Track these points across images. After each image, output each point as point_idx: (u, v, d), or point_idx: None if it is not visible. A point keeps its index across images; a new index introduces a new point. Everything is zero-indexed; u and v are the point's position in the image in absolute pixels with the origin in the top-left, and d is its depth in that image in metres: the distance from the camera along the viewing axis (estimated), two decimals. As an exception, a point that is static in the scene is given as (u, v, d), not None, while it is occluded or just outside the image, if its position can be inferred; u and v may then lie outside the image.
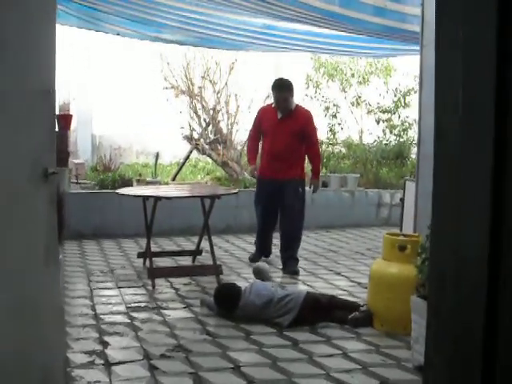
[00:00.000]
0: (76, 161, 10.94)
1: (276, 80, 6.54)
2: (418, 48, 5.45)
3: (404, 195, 6.84)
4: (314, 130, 6.61)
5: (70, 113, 10.26)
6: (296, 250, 6.46)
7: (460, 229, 1.38)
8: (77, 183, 9.51)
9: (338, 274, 6.31)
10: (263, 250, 6.78)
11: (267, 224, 6.61)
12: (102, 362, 3.70)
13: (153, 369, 3.61)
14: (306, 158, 6.64)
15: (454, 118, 1.44)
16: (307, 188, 6.65)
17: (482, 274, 1.29)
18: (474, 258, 1.34)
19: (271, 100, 8.94)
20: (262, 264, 5.97)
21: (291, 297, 4.55)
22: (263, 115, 6.58)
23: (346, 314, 4.54)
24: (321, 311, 4.58)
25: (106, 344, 4.02)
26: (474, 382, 1.22)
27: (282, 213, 6.45)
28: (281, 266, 6.42)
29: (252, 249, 7.09)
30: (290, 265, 6.30)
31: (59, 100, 9.87)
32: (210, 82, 11.67)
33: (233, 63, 11.56)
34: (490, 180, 1.34)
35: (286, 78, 6.64)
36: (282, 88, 6.34)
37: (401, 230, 6.47)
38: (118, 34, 8.51)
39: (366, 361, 3.83)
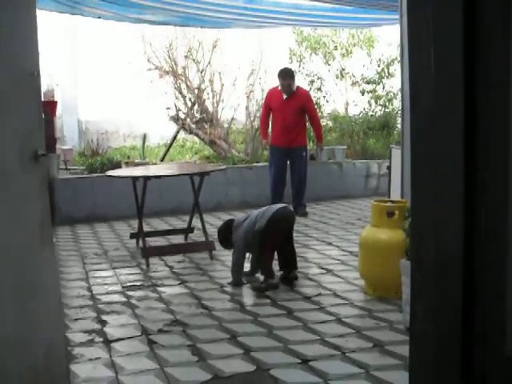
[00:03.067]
0: (64, 147, 10.92)
1: (281, 69, 8.15)
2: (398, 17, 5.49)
3: (390, 163, 6.92)
4: (313, 105, 8.45)
5: (55, 99, 10.22)
6: (303, 197, 8.24)
7: (437, 184, 1.45)
8: (66, 169, 9.51)
9: (330, 244, 6.40)
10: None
11: (278, 181, 8.15)
12: (101, 339, 3.78)
13: (151, 343, 3.69)
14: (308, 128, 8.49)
15: (428, 78, 1.50)
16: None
17: (458, 228, 1.37)
18: (451, 214, 1.41)
19: (254, 77, 9.92)
20: None
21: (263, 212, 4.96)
22: (271, 96, 8.24)
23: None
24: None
25: (104, 323, 4.10)
26: (457, 323, 1.29)
27: (292, 172, 8.15)
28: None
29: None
30: (300, 209, 8.03)
31: (43, 86, 9.80)
32: (194, 61, 11.63)
33: (215, 41, 11.51)
34: (461, 138, 1.41)
35: (288, 67, 8.59)
36: (286, 76, 7.98)
37: (389, 196, 6.55)
38: (99, 18, 8.45)
39: (360, 325, 3.93)
